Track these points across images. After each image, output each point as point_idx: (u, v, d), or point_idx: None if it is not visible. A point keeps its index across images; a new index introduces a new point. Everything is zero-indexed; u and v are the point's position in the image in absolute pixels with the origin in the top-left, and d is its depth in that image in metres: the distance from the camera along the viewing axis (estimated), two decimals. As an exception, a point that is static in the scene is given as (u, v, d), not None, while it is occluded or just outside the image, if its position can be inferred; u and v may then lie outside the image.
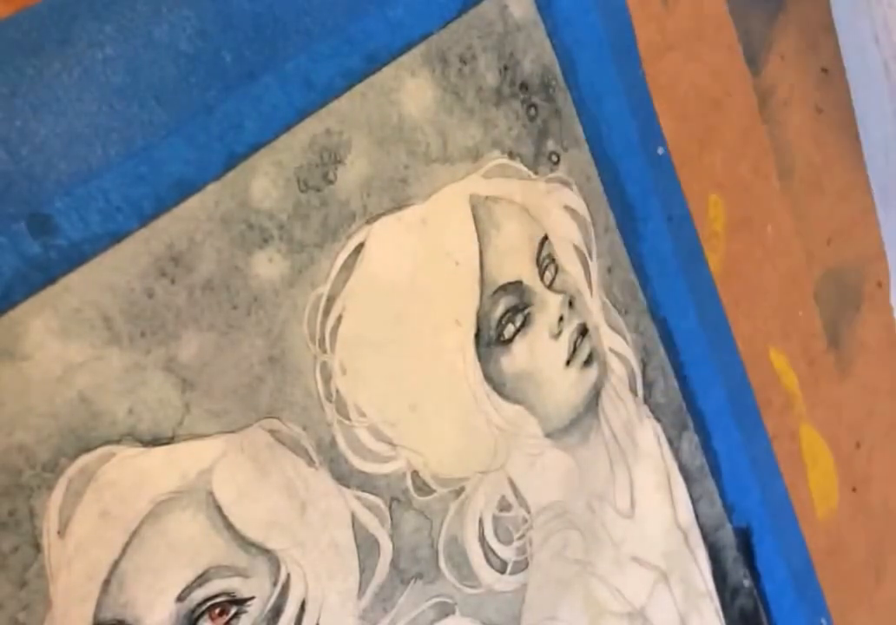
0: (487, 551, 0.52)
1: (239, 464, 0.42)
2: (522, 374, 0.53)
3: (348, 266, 0.46)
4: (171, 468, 0.40)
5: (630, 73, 0.59)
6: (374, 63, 0.47)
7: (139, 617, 0.39)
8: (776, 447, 0.69)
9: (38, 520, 0.37)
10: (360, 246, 0.47)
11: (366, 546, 0.47)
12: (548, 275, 0.55)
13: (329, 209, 0.45)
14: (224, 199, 0.42)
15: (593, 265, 0.58)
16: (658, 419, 0.62)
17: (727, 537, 0.66)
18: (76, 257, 0.38)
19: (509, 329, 0.53)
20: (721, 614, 0.66)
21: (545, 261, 0.54)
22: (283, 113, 0.43)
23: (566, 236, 0.56)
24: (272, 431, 0.44)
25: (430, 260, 0.49)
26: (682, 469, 0.63)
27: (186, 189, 0.41)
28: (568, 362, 0.56)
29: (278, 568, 0.43)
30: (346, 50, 0.45)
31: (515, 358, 0.53)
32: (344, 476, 0.46)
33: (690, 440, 0.64)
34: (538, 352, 0.54)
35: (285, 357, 0.44)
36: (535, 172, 0.55)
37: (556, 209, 0.56)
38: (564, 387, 0.56)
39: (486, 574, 0.52)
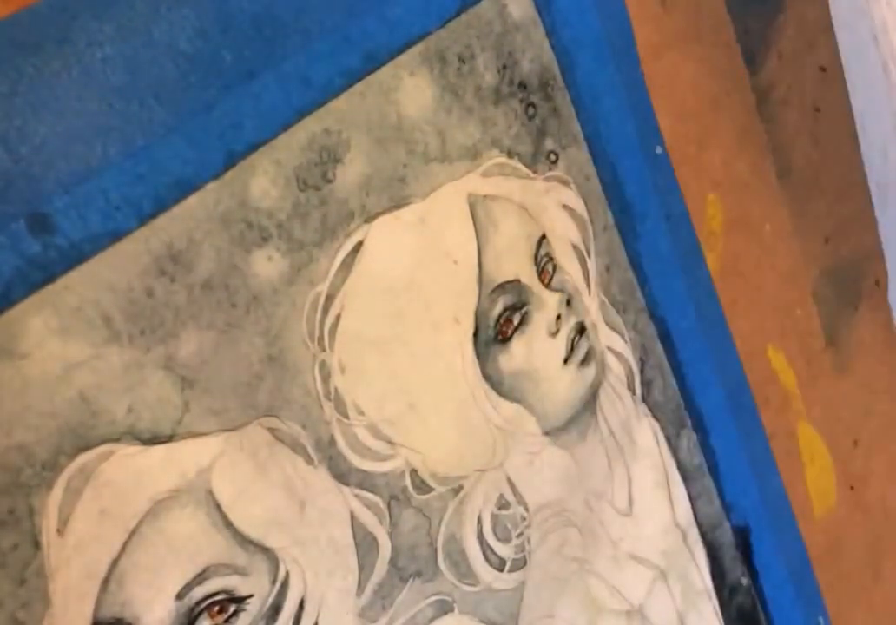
0: (486, 549, 0.52)
1: (238, 462, 0.42)
2: (520, 372, 0.53)
3: (347, 265, 0.46)
4: (171, 467, 0.40)
5: (628, 73, 0.59)
6: (373, 62, 0.47)
7: (138, 615, 0.39)
8: (774, 445, 0.69)
9: (38, 518, 0.37)
10: (359, 244, 0.47)
11: (364, 544, 0.47)
12: (546, 273, 0.55)
13: (328, 208, 0.45)
14: (223, 198, 0.42)
15: (591, 264, 0.58)
16: (656, 418, 0.62)
17: (725, 535, 0.67)
18: (76, 256, 0.38)
19: (507, 328, 0.53)
20: (719, 612, 0.66)
21: (543, 260, 0.55)
22: (282, 112, 0.44)
23: (564, 235, 0.56)
24: (271, 430, 0.44)
25: (428, 259, 0.49)
26: (681, 467, 0.63)
27: (186, 188, 0.41)
28: (566, 361, 0.56)
29: (277, 566, 0.43)
30: (345, 49, 0.45)
31: (513, 356, 0.53)
32: (343, 474, 0.46)
33: (689, 438, 0.64)
34: (536, 350, 0.54)
35: (284, 355, 0.44)
36: (534, 171, 0.55)
37: (555, 208, 0.56)
38: (562, 385, 0.56)
39: (485, 572, 0.52)
